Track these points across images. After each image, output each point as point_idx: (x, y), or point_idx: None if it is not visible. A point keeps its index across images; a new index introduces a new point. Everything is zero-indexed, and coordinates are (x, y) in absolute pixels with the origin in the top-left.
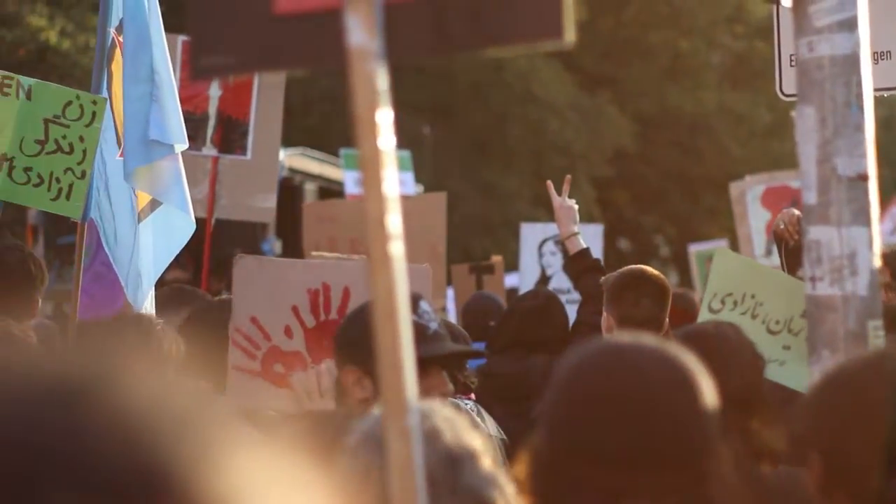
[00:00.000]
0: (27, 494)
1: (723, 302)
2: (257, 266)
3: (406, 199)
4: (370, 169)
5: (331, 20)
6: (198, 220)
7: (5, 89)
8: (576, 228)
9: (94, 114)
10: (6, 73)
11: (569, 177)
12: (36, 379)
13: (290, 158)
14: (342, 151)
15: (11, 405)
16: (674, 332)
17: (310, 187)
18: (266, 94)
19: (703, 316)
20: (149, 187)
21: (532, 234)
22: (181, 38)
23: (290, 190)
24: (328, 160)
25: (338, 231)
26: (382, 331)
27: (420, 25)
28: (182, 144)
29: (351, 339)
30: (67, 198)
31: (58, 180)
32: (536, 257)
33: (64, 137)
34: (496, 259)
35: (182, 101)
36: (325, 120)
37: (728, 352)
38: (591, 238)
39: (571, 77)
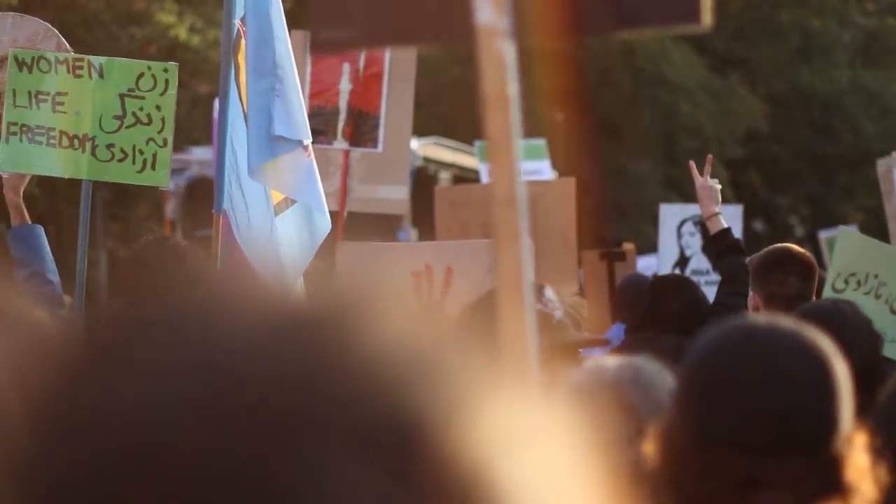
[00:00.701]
0: (308, 438)
1: (846, 282)
2: (359, 252)
3: (535, 185)
4: (498, 149)
5: None
6: (331, 213)
7: (77, 71)
8: (717, 209)
9: (167, 81)
10: (77, 55)
11: (710, 156)
12: (279, 318)
13: (424, 148)
14: (476, 143)
15: (268, 343)
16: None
17: (444, 176)
18: (397, 88)
19: (827, 295)
20: (276, 184)
21: (671, 214)
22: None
23: (424, 179)
24: (462, 148)
25: (470, 216)
26: (507, 313)
27: (553, 6)
28: (307, 139)
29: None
30: (153, 168)
31: (141, 152)
32: (675, 238)
33: (141, 109)
34: (628, 247)
35: (312, 95)
36: (456, 108)
37: (844, 329)
38: (730, 219)
39: (701, 59)
